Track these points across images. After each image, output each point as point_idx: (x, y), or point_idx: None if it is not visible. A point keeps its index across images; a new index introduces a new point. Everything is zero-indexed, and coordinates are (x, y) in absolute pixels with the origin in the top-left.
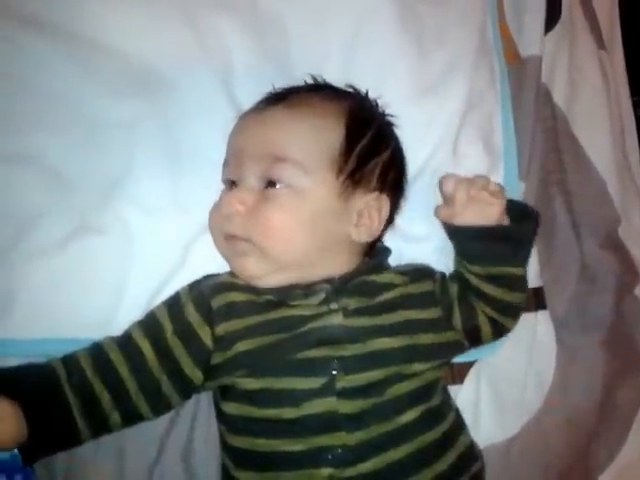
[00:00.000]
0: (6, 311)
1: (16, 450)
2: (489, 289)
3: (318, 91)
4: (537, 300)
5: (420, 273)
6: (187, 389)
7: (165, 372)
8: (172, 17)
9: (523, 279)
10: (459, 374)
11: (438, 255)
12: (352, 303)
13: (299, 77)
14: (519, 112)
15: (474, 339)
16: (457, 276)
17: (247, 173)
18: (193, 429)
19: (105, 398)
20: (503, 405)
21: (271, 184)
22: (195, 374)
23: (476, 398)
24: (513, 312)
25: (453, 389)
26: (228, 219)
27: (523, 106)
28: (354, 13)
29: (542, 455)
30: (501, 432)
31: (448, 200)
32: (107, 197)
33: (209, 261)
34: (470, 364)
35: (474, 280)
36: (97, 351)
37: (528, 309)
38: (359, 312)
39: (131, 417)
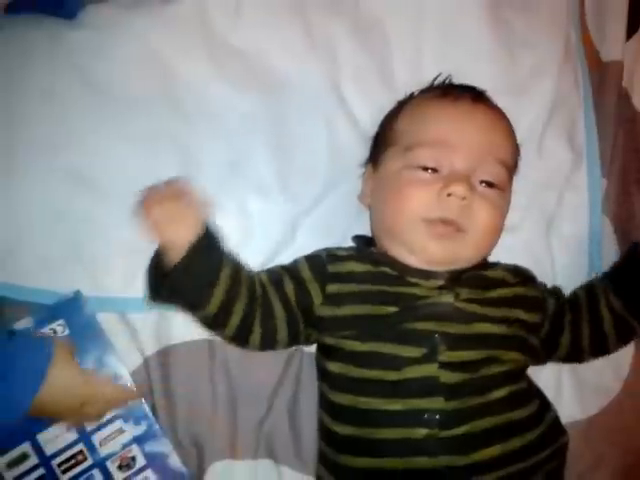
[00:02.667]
0: None
1: (143, 400)
2: (610, 319)
3: (483, 95)
4: None
5: (527, 276)
6: (294, 329)
7: (281, 303)
8: (288, 21)
9: None
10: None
11: (527, 245)
12: (464, 293)
13: (398, 75)
14: (601, 114)
15: (550, 352)
16: (587, 288)
17: (471, 167)
18: (298, 388)
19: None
20: (583, 387)
21: (489, 185)
22: (300, 317)
23: (558, 379)
24: (607, 346)
25: (537, 368)
26: (449, 206)
27: (605, 108)
28: (447, 16)
29: (621, 435)
30: (581, 411)
31: None
32: (227, 178)
33: (314, 241)
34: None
35: (603, 306)
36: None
37: None
38: (469, 300)
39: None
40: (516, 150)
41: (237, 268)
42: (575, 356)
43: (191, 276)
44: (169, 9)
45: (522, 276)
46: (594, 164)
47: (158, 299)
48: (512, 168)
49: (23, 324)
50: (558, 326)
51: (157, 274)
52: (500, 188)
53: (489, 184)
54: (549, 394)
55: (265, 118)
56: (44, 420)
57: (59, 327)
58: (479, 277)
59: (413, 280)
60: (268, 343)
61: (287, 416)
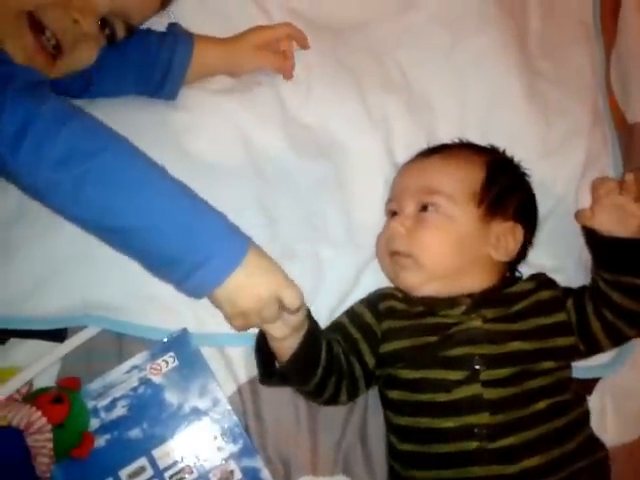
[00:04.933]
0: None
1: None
2: (615, 296)
3: (465, 146)
4: None
5: (545, 279)
6: (368, 375)
7: (357, 360)
8: (350, 100)
9: None
10: (588, 388)
11: (565, 284)
12: (490, 313)
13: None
14: (630, 167)
15: (591, 345)
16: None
17: (406, 203)
18: (366, 415)
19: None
20: (625, 414)
21: (424, 208)
22: (371, 360)
23: (602, 407)
24: (635, 320)
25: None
26: (392, 239)
27: (633, 163)
28: (488, 91)
29: None
30: (624, 436)
31: (595, 202)
32: (302, 232)
33: (375, 283)
34: (596, 380)
35: (602, 284)
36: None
37: None
38: (496, 320)
39: (335, 393)
40: (468, 181)
41: (328, 342)
42: (616, 337)
43: (300, 367)
44: (250, 93)
45: (539, 280)
46: None
47: (270, 384)
48: (458, 195)
49: (140, 357)
50: (584, 317)
51: (266, 362)
52: (441, 212)
53: (424, 208)
54: (594, 419)
55: (332, 180)
56: (158, 438)
57: (170, 359)
58: (500, 296)
59: (441, 312)
60: (352, 399)
61: (359, 438)
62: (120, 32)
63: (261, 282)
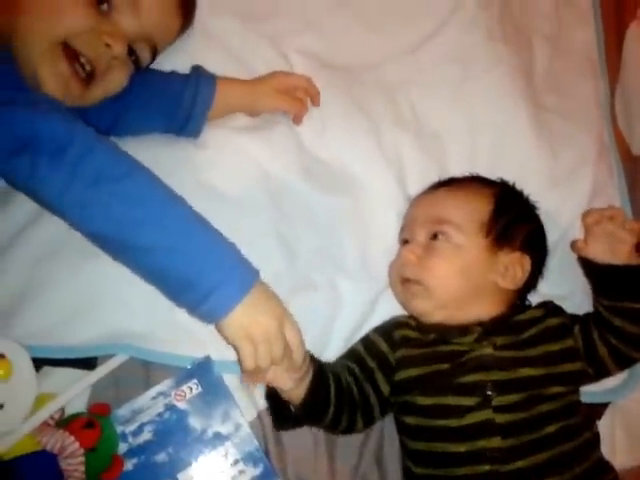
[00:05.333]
0: None
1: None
2: (617, 321)
3: (474, 179)
4: None
5: (553, 307)
6: (383, 402)
7: (372, 388)
8: (364, 137)
9: None
10: (598, 413)
11: (574, 311)
12: (500, 340)
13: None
14: (636, 199)
15: (600, 369)
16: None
17: (418, 232)
18: (382, 440)
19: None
20: (635, 438)
21: (435, 237)
22: (386, 388)
23: (612, 431)
24: (638, 344)
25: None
26: (403, 267)
27: (638, 194)
28: (496, 125)
29: None
30: (634, 459)
31: (587, 232)
32: (319, 262)
33: (390, 311)
34: (606, 404)
35: (603, 310)
36: (342, 376)
37: None
38: (506, 347)
39: (350, 424)
40: (477, 212)
41: (337, 378)
42: (622, 361)
43: (310, 411)
44: (268, 130)
45: (547, 307)
46: None
47: (284, 429)
48: (466, 225)
49: (166, 384)
50: (591, 343)
51: (278, 409)
52: (450, 240)
53: (434, 236)
54: (604, 443)
55: (348, 213)
56: (183, 462)
57: (194, 385)
58: (510, 323)
59: (453, 340)
60: (368, 426)
61: (375, 462)
62: (145, 56)
63: (269, 308)
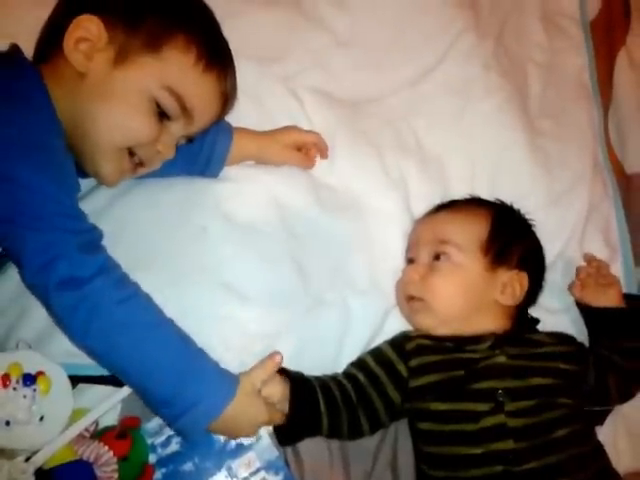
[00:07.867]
0: None
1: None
2: (615, 358)
3: (473, 200)
4: None
5: (564, 338)
6: (392, 408)
7: (376, 393)
8: (370, 163)
9: None
10: (601, 419)
11: (572, 324)
12: (513, 350)
13: (456, 197)
14: (630, 214)
15: (603, 399)
16: (590, 346)
17: (421, 252)
18: (396, 445)
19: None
20: (636, 443)
21: (437, 257)
22: (395, 395)
23: (614, 436)
24: (637, 379)
25: (596, 429)
26: (407, 285)
27: (632, 209)
28: (495, 149)
29: None
30: (636, 462)
31: (582, 284)
32: (331, 281)
33: (398, 328)
34: (609, 410)
35: (602, 350)
36: (337, 382)
37: None
38: (518, 357)
39: (356, 428)
40: (476, 232)
41: (325, 388)
42: (625, 395)
43: (300, 423)
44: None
45: (561, 338)
46: (627, 257)
47: (289, 444)
48: (466, 245)
49: None
50: (602, 374)
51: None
52: (451, 260)
53: (437, 257)
54: (608, 448)
55: (356, 234)
56: (209, 471)
57: None
58: (522, 338)
59: (468, 348)
60: (376, 428)
61: (389, 468)
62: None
63: (246, 419)
